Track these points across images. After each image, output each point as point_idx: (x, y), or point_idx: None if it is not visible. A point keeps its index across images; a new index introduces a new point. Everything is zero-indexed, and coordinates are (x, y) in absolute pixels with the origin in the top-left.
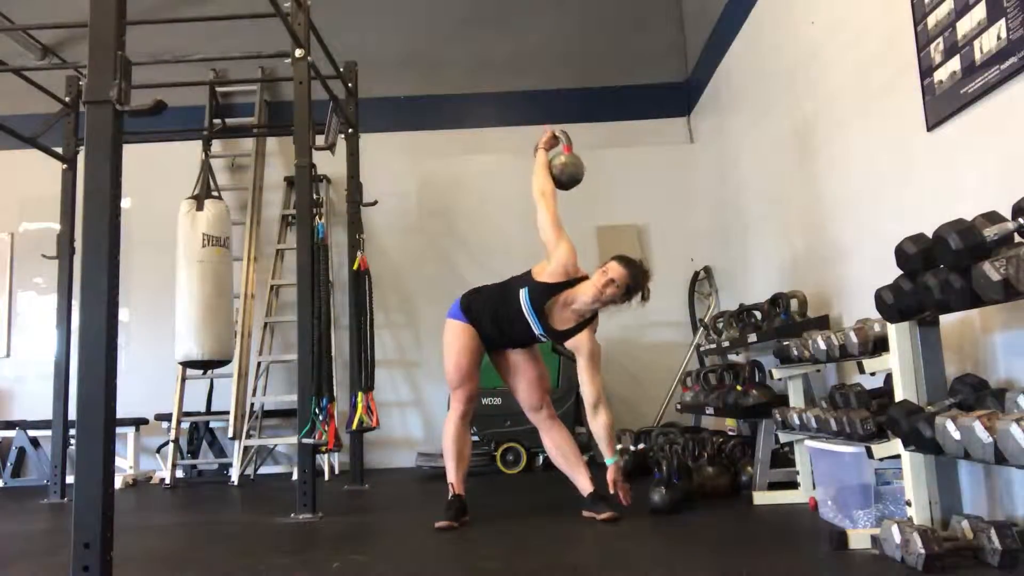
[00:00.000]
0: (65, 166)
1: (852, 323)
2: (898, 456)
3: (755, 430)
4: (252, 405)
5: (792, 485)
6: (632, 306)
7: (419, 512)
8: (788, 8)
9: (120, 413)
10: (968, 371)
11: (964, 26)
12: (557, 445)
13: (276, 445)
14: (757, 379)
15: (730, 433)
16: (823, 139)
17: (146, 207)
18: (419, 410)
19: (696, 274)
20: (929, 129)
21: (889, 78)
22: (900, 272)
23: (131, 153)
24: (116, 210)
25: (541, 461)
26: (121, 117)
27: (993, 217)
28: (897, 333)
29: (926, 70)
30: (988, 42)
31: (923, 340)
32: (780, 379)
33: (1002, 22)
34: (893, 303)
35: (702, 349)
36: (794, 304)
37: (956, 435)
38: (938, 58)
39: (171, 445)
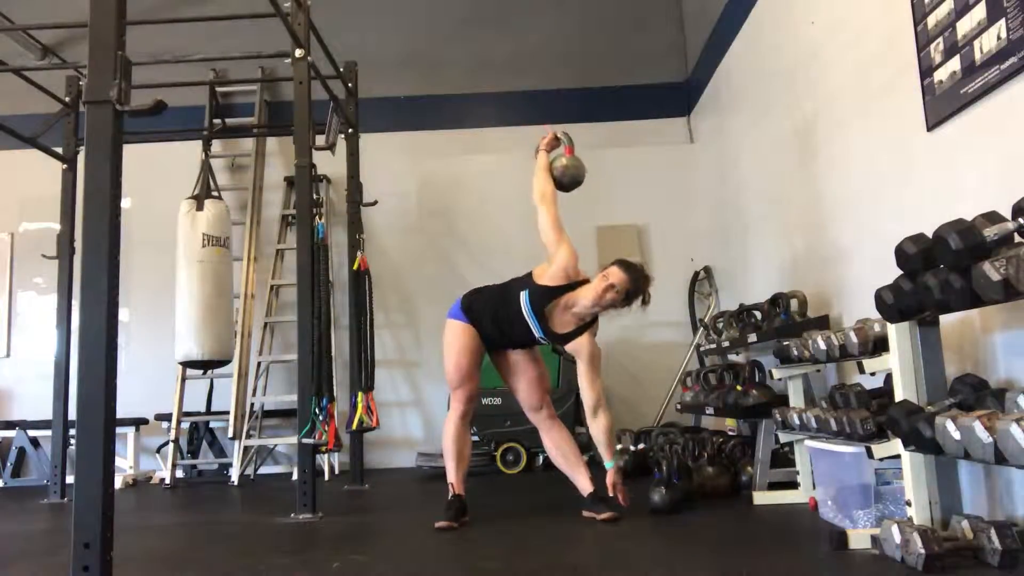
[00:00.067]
0: (65, 166)
1: (852, 323)
2: (898, 456)
3: (755, 430)
4: (252, 405)
5: (792, 485)
6: (632, 311)
7: (419, 512)
8: (788, 8)
9: (120, 413)
10: (968, 371)
11: (964, 26)
12: (557, 445)
13: (276, 445)
14: (757, 379)
15: (730, 433)
16: (823, 139)
17: (146, 207)
18: (419, 410)
19: (696, 274)
20: (929, 129)
21: (889, 78)
22: (900, 272)
23: (131, 153)
24: (116, 210)
25: (541, 461)
26: (121, 117)
27: (993, 217)
28: (897, 333)
29: (926, 70)
30: (988, 42)
31: (923, 340)
32: (780, 379)
33: (1002, 22)
34: (893, 303)
35: (702, 349)
36: (794, 304)
37: (956, 435)
38: (938, 58)
39: (171, 445)
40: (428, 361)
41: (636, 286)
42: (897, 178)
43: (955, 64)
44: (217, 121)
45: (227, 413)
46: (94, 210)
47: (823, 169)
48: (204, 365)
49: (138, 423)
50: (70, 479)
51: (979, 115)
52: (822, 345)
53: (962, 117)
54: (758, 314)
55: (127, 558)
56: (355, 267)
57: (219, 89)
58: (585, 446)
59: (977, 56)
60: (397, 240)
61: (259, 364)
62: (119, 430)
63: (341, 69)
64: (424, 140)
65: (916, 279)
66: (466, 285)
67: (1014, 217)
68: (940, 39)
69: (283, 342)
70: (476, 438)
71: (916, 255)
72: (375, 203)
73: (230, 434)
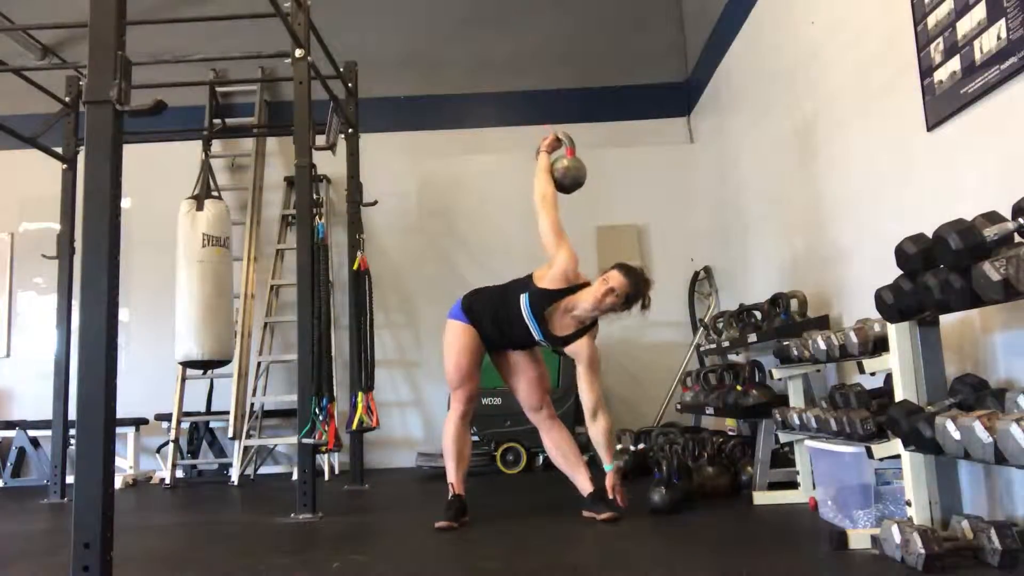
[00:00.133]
0: (65, 166)
1: (852, 323)
2: (898, 456)
3: (755, 430)
4: (252, 405)
5: (792, 485)
6: (632, 314)
7: (419, 512)
8: (788, 8)
9: (120, 413)
10: (968, 371)
11: (964, 26)
12: (557, 445)
13: (276, 445)
14: (757, 379)
15: (730, 433)
16: (823, 139)
17: (146, 207)
18: (419, 410)
19: (696, 274)
20: (929, 129)
21: (889, 78)
22: (900, 272)
23: (131, 153)
24: (116, 210)
25: (541, 461)
26: (121, 117)
27: (993, 217)
28: (897, 333)
29: (926, 70)
30: (988, 42)
31: (923, 340)
32: (780, 379)
33: (1002, 22)
34: (893, 303)
35: (702, 349)
36: (794, 304)
37: (956, 435)
38: (938, 58)
39: (171, 445)
40: (428, 361)
41: (636, 290)
42: (897, 178)
43: (955, 64)
44: (217, 121)
45: (227, 413)
46: (94, 210)
47: (823, 169)
48: (204, 365)
49: (138, 423)
50: (70, 479)
51: (979, 115)
52: (822, 345)
53: (962, 117)
54: (758, 314)
55: (127, 558)
56: (355, 267)
57: (219, 89)
58: (585, 446)
59: (977, 56)
60: (397, 240)
61: (259, 364)
62: (119, 430)
63: (341, 69)
64: (424, 140)
65: (916, 279)
66: (466, 285)
67: (1014, 217)
68: (940, 39)
69: (283, 342)
70: (476, 438)
71: (916, 255)
72: (375, 203)
73: (230, 434)
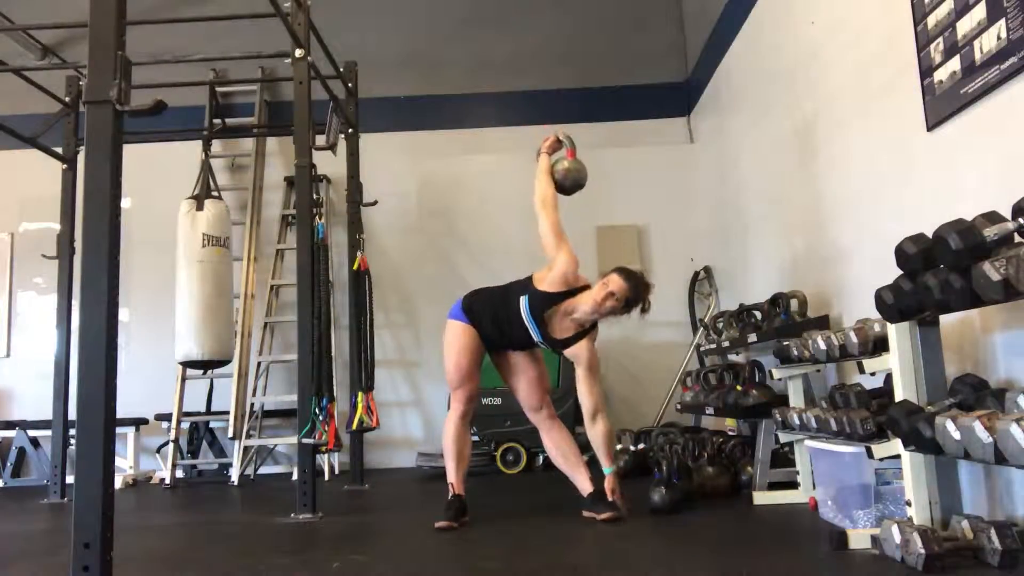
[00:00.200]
0: (65, 166)
1: (852, 323)
2: (898, 456)
3: (755, 430)
4: (252, 405)
5: (792, 485)
6: (632, 318)
7: (419, 512)
8: (788, 8)
9: (120, 413)
10: (968, 371)
11: (964, 26)
12: (557, 445)
13: (276, 445)
14: (757, 379)
15: (730, 433)
16: (823, 139)
17: (146, 207)
18: (419, 410)
19: (696, 274)
20: (929, 129)
21: (889, 78)
22: (900, 272)
23: (131, 153)
24: (116, 210)
25: (541, 461)
26: (121, 117)
27: (993, 217)
28: (897, 333)
29: (926, 70)
30: (988, 42)
31: (923, 340)
32: (780, 379)
33: (1002, 22)
34: (893, 303)
35: (702, 349)
36: (794, 304)
37: (956, 435)
38: (938, 58)
39: (171, 445)
40: (428, 361)
41: (636, 294)
42: (897, 178)
43: (955, 64)
44: (217, 121)
45: (227, 413)
46: (94, 210)
47: (823, 169)
48: (204, 365)
49: (138, 423)
50: (70, 479)
51: (979, 115)
52: (822, 345)
53: (962, 117)
54: (758, 314)
55: (127, 558)
56: (355, 267)
57: (219, 89)
58: (585, 446)
59: (977, 56)
60: (397, 240)
61: (259, 364)
62: (119, 430)
63: (341, 69)
64: (424, 140)
65: (916, 279)
66: (466, 285)
67: (1014, 217)
68: (940, 39)
69: (283, 342)
70: (476, 438)
71: (916, 255)
72: (375, 203)
73: (230, 434)
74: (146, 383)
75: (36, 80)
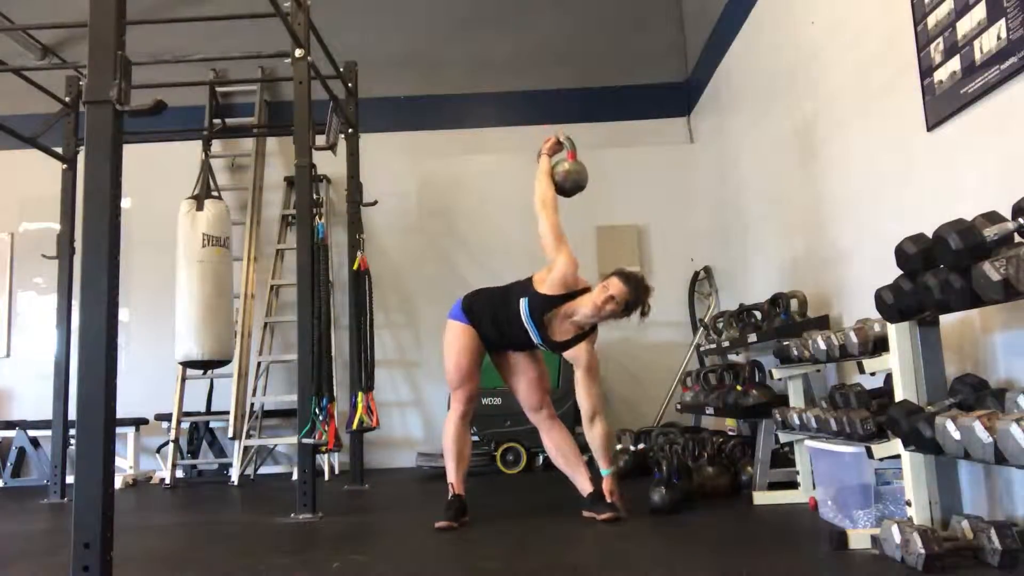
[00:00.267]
0: (65, 166)
1: (852, 323)
2: (898, 456)
3: (755, 430)
4: (252, 405)
5: (792, 485)
6: (632, 321)
7: (419, 512)
8: (788, 8)
9: (120, 413)
10: (968, 371)
11: (964, 26)
12: (557, 445)
13: (276, 445)
14: (757, 379)
15: (730, 433)
16: (823, 139)
17: (146, 207)
18: (419, 410)
19: (696, 274)
20: (929, 129)
21: (889, 78)
22: (900, 272)
23: (131, 153)
24: (116, 210)
25: (541, 461)
26: (121, 117)
27: (993, 217)
28: (897, 333)
29: (926, 70)
30: (988, 42)
31: (923, 340)
32: (780, 379)
33: (1002, 22)
34: (893, 303)
35: (702, 349)
36: (794, 304)
37: (956, 435)
38: (938, 58)
39: (171, 445)
40: (428, 361)
41: (636, 297)
42: (897, 178)
43: (955, 64)
44: (217, 121)
45: (227, 413)
46: (94, 210)
47: (823, 169)
48: (204, 365)
49: (138, 423)
50: (70, 479)
51: (979, 115)
52: (822, 345)
53: (962, 117)
54: (758, 314)
55: (127, 558)
56: (355, 267)
57: (219, 89)
58: (585, 446)
59: (977, 56)
60: (397, 240)
61: (259, 364)
62: (119, 430)
63: (341, 69)
64: (424, 140)
65: (916, 279)
66: (466, 285)
67: (1014, 217)
68: (940, 39)
69: (283, 342)
70: (476, 438)
71: (916, 255)
72: (375, 203)
73: (230, 434)
74: (146, 383)
75: (36, 80)
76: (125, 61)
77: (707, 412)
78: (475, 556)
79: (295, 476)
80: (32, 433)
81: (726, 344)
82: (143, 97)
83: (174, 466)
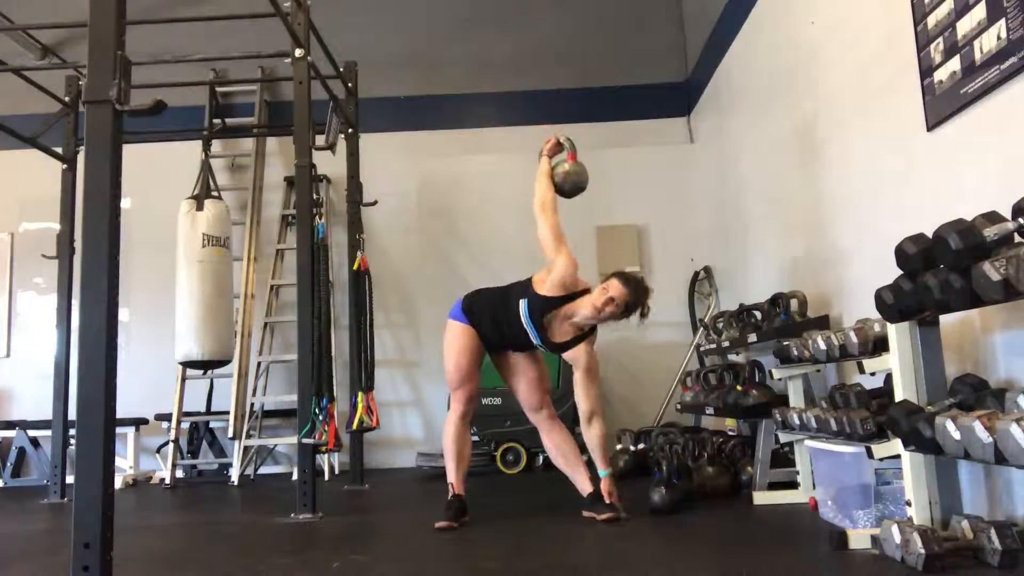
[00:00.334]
0: (65, 166)
1: (852, 323)
2: (898, 456)
3: (755, 430)
4: (252, 405)
5: (792, 485)
6: (631, 322)
7: (419, 512)
8: (788, 8)
9: (120, 413)
10: (968, 371)
11: (964, 26)
12: (557, 445)
13: (276, 445)
14: (757, 379)
15: (730, 433)
16: (823, 139)
17: (146, 207)
18: (419, 410)
19: (696, 274)
20: (929, 129)
21: (889, 78)
22: (900, 272)
23: (131, 153)
24: (116, 210)
25: (541, 461)
26: (121, 117)
27: (993, 217)
28: (897, 333)
29: (926, 70)
30: (988, 42)
31: (923, 340)
32: (780, 379)
33: (1002, 22)
34: (893, 303)
35: (702, 349)
36: (794, 304)
37: (956, 435)
38: (938, 58)
39: (171, 445)
40: (428, 361)
41: (636, 299)
42: (897, 178)
43: (955, 64)
44: (217, 121)
45: (227, 413)
46: (94, 210)
47: (823, 169)
48: (204, 365)
49: (138, 423)
50: (70, 479)
51: (979, 115)
52: (822, 345)
53: (962, 117)
54: (758, 314)
55: (127, 558)
56: (355, 267)
57: (219, 89)
58: (584, 446)
59: (977, 56)
60: (397, 240)
61: (259, 364)
62: (119, 430)
63: (341, 69)
64: (424, 140)
65: (916, 279)
66: (466, 285)
67: (1014, 217)
68: (940, 39)
69: (283, 342)
70: (476, 438)
71: (916, 255)
72: (375, 203)
73: (230, 434)
74: (146, 383)
75: (36, 80)
76: (125, 61)
77: (707, 412)
78: (475, 556)
79: (295, 476)
80: (32, 433)
81: (726, 344)
82: (143, 97)
83: (174, 466)
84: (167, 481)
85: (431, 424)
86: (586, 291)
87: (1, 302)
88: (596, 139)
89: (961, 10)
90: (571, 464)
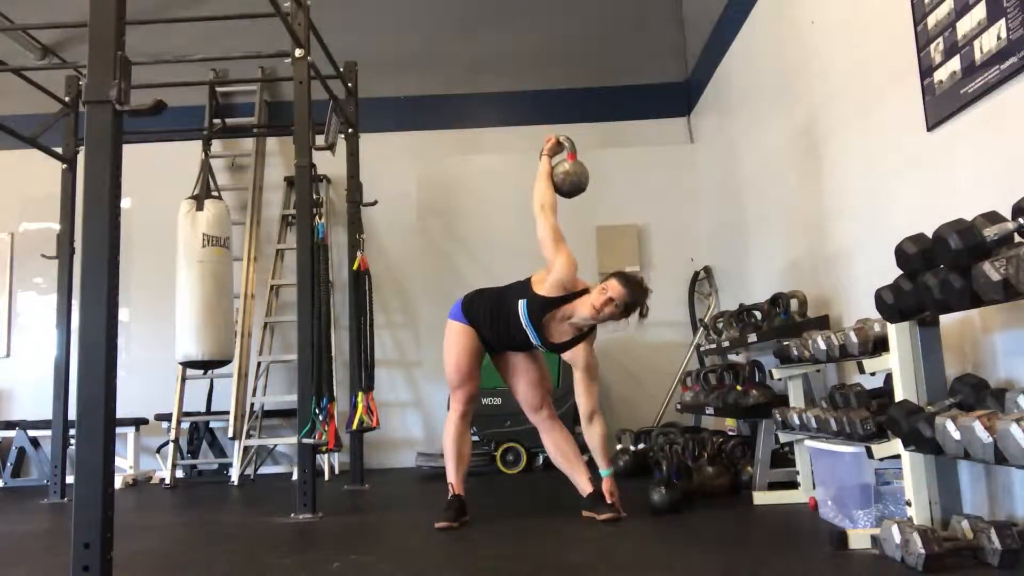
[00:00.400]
0: (65, 166)
1: (852, 323)
2: (898, 456)
3: (755, 430)
4: (252, 405)
5: (792, 485)
6: (630, 323)
7: (419, 512)
8: (788, 8)
9: (120, 413)
10: (968, 371)
11: (964, 26)
12: (557, 445)
13: (276, 445)
14: (757, 379)
15: (730, 433)
16: (823, 139)
17: (146, 207)
18: (419, 410)
19: (696, 274)
20: (929, 129)
21: (889, 78)
22: (900, 272)
23: (131, 153)
24: (116, 210)
25: (541, 461)
26: (121, 117)
27: (993, 217)
28: (897, 333)
29: (926, 70)
30: (988, 42)
31: (923, 340)
32: (780, 379)
33: (1002, 22)
34: (893, 303)
35: (702, 349)
36: (794, 304)
37: (956, 435)
38: (938, 58)
39: (171, 445)
40: (428, 361)
41: (634, 299)
42: (897, 178)
43: (955, 64)
44: (217, 121)
45: (227, 413)
46: (94, 210)
47: (823, 169)
48: (204, 365)
49: (138, 423)
50: (70, 479)
51: (979, 115)
52: (822, 345)
53: (962, 117)
54: (758, 314)
55: (127, 558)
56: (355, 267)
57: (219, 89)
58: (585, 446)
59: (977, 56)
60: (397, 240)
61: (259, 364)
62: (119, 430)
63: (341, 69)
64: (424, 140)
65: (916, 279)
66: (466, 285)
67: (1014, 217)
68: (940, 39)
69: (283, 342)
70: (476, 438)
71: (916, 255)
72: (375, 203)
73: (230, 434)
74: (146, 383)
75: (36, 80)
76: (125, 61)
77: (707, 412)
78: (475, 556)
79: (295, 476)
80: (32, 433)
81: (726, 344)
82: (143, 97)
83: (174, 466)
84: (167, 481)
85: (431, 424)
86: (585, 291)
87: (1, 302)
88: (596, 139)
89: (961, 10)
90: (571, 464)
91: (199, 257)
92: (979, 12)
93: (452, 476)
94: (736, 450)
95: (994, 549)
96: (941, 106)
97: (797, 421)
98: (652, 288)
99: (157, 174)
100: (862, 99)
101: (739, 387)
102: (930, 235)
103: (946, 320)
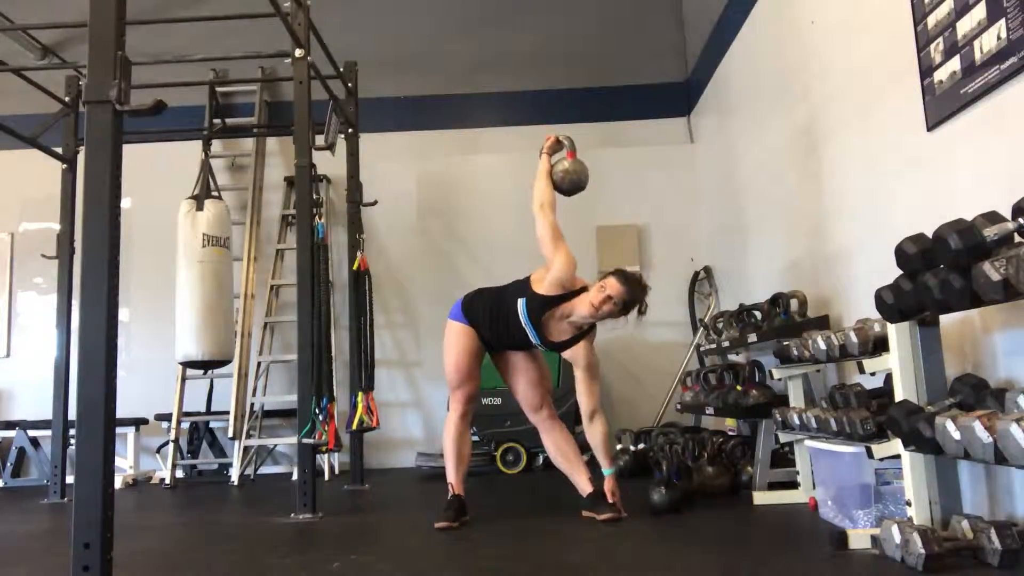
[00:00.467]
0: (65, 166)
1: (852, 323)
2: (898, 456)
3: (755, 430)
4: (252, 405)
5: (792, 485)
6: (629, 321)
7: (419, 512)
8: (788, 8)
9: (120, 413)
10: (968, 371)
11: (964, 26)
12: (557, 445)
13: (276, 445)
14: (757, 379)
15: (730, 433)
16: (823, 139)
17: (146, 207)
18: (419, 410)
19: (696, 274)
20: (929, 129)
21: (889, 78)
22: (900, 272)
23: (131, 153)
24: (116, 210)
25: (541, 461)
26: (121, 117)
27: (993, 217)
28: (897, 333)
29: (926, 70)
30: (988, 42)
31: (923, 340)
32: (780, 379)
33: (1002, 22)
34: (893, 303)
35: (702, 349)
36: (794, 304)
37: (956, 435)
38: (938, 58)
39: (171, 445)
40: (428, 361)
41: (633, 297)
42: (897, 178)
43: (955, 64)
44: (217, 121)
45: (227, 413)
46: (94, 210)
47: (823, 169)
48: (204, 365)
49: (138, 423)
50: (70, 479)
51: (979, 115)
52: (822, 345)
53: (962, 117)
54: (758, 314)
55: (127, 558)
56: (355, 267)
57: (219, 89)
58: (585, 445)
59: (977, 56)
60: (397, 240)
61: (259, 364)
62: (119, 430)
63: (341, 69)
64: (424, 140)
65: (916, 279)
66: (466, 285)
67: (1014, 217)
68: (940, 39)
69: (283, 342)
70: (476, 438)
71: (916, 255)
72: (375, 203)
73: (230, 434)
74: (146, 383)
75: (36, 80)
76: (125, 61)
77: (707, 412)
78: (475, 556)
79: (295, 476)
80: (32, 433)
81: (726, 344)
82: (143, 97)
83: (174, 466)
84: (167, 481)
85: (431, 424)
86: (584, 290)
87: (1, 302)
88: (596, 139)
89: (961, 10)
90: (571, 464)
91: (199, 257)
92: (979, 12)
93: (452, 476)
94: (736, 450)
95: (994, 549)
96: (941, 106)
97: (797, 421)
98: (652, 288)
99: (157, 174)
100: (862, 99)
101: (739, 387)
102: (930, 235)
103: (946, 320)
